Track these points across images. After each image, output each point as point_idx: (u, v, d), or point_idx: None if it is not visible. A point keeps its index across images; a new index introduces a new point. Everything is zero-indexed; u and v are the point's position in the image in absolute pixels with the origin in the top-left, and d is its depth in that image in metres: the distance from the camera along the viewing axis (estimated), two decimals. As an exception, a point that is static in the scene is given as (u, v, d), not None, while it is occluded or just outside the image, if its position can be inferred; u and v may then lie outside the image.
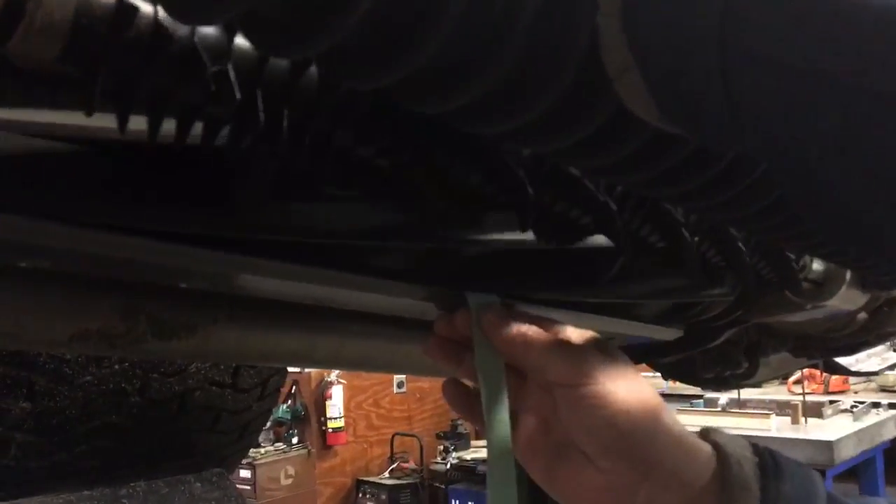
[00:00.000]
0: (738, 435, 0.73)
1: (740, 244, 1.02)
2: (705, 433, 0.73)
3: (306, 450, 7.72)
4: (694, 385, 2.29)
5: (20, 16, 0.49)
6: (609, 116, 0.55)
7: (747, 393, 5.60)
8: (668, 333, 1.33)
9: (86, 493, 1.48)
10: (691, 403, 6.01)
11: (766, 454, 0.70)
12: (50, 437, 1.51)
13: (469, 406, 0.79)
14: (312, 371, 7.56)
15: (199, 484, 1.64)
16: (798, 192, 0.51)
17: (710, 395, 5.85)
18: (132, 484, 1.55)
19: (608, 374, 0.68)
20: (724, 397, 5.75)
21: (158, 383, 1.61)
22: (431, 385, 8.77)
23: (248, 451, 2.22)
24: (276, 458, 7.31)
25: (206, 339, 1.05)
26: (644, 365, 1.94)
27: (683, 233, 0.92)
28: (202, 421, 1.75)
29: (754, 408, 5.52)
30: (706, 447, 0.70)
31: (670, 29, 0.45)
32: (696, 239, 1.01)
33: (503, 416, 0.72)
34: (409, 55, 0.46)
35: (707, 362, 1.88)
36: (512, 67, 0.49)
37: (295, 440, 7.68)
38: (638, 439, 0.66)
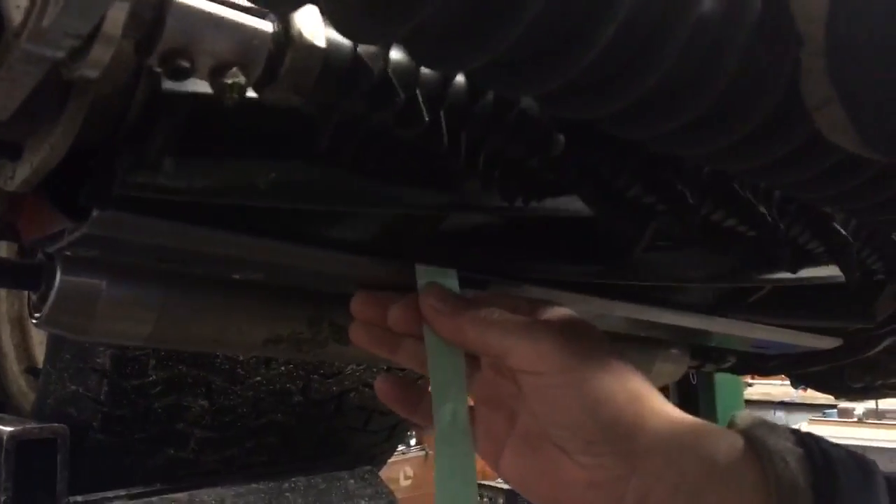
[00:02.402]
0: (776, 423, 0.63)
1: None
2: (734, 422, 0.64)
3: (424, 452, 7.84)
4: (841, 395, 2.22)
5: (281, 61, 0.56)
6: (804, 142, 0.57)
7: (886, 403, 5.34)
8: (826, 342, 1.32)
9: (254, 486, 1.59)
10: (824, 413, 5.78)
11: (811, 443, 0.60)
12: (224, 432, 1.62)
13: (412, 401, 0.71)
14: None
15: (352, 480, 1.73)
16: None
17: (844, 404, 5.60)
18: (294, 479, 1.65)
19: (584, 359, 0.59)
20: (860, 407, 5.50)
21: (319, 384, 1.71)
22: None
23: (393, 451, 2.31)
24: (394, 459, 7.45)
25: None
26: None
27: (849, 240, 0.92)
28: (356, 420, 1.84)
29: (893, 418, 5.25)
30: (728, 435, 0.61)
31: (879, 65, 0.47)
32: (858, 246, 1.00)
33: (460, 407, 0.63)
34: (636, 87, 0.50)
35: (858, 371, 1.83)
36: (718, 97, 0.53)
37: (413, 442, 7.82)
38: (623, 430, 0.58)
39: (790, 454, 0.58)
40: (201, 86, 0.58)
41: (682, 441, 0.59)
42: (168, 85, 0.59)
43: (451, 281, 0.69)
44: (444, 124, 0.64)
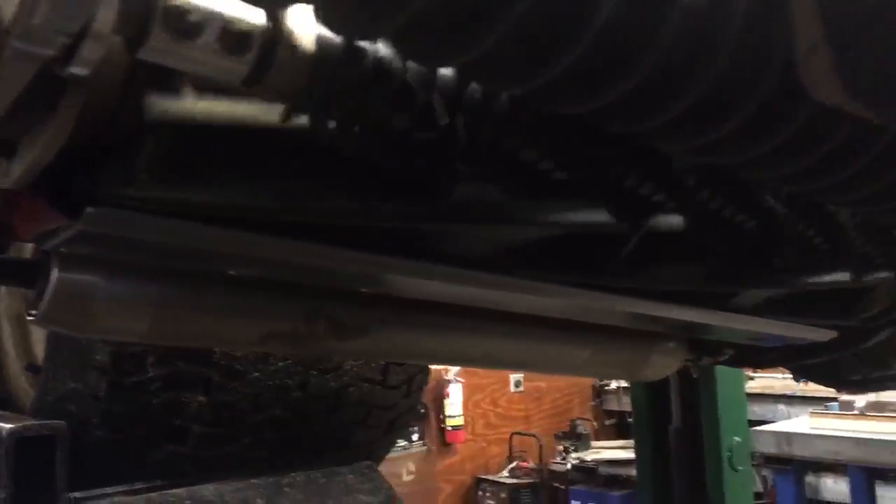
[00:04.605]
0: None
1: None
2: None
3: (426, 447, 7.87)
4: (837, 388, 2.23)
5: (270, 62, 0.56)
6: (800, 126, 0.57)
7: (888, 395, 5.33)
8: (821, 335, 1.32)
9: (253, 481, 1.59)
10: (825, 406, 5.77)
11: None
12: (223, 428, 1.63)
13: None
14: (431, 369, 7.67)
15: (351, 475, 1.73)
16: None
17: (845, 397, 5.60)
18: (293, 474, 1.65)
19: None
20: (861, 400, 5.50)
21: (317, 380, 1.71)
22: (549, 385, 8.76)
23: (393, 445, 2.32)
24: (397, 454, 7.48)
25: (376, 339, 1.13)
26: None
27: (848, 233, 0.92)
28: (355, 415, 1.85)
29: (895, 411, 5.25)
30: None
31: (869, 11, 0.46)
32: (858, 239, 1.01)
33: None
34: (624, 80, 0.51)
35: (854, 364, 1.83)
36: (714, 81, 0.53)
37: (415, 437, 7.84)
38: None
39: None
40: (186, 106, 0.59)
41: None
42: (153, 106, 0.60)
43: None
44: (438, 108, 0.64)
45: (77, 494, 1.45)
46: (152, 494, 1.50)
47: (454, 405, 8.03)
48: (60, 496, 1.43)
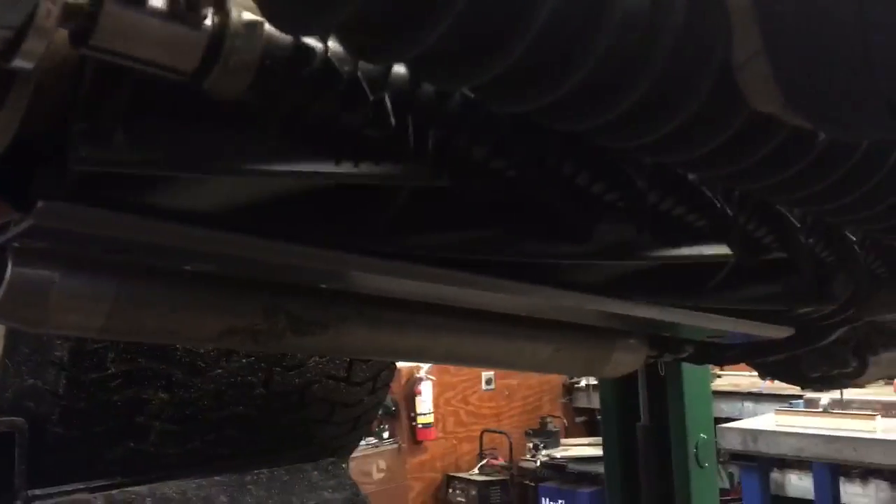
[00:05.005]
0: None
1: (856, 245, 1.03)
2: None
3: (396, 445, 7.86)
4: (799, 385, 2.26)
5: (217, 58, 0.56)
6: (738, 127, 0.58)
7: (850, 393, 5.42)
8: (778, 332, 1.34)
9: (216, 478, 1.58)
10: (790, 404, 5.85)
11: None
12: (185, 425, 1.62)
13: None
14: (402, 367, 7.68)
15: (315, 472, 1.73)
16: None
17: (810, 395, 5.68)
18: (256, 471, 1.65)
19: None
20: (825, 397, 5.58)
21: (281, 376, 1.71)
22: (520, 382, 8.80)
23: (359, 442, 2.31)
24: (368, 452, 7.46)
25: (337, 335, 1.13)
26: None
27: (799, 236, 0.94)
28: (319, 412, 1.85)
29: (858, 408, 5.33)
30: None
31: (807, 17, 0.47)
32: (811, 241, 1.03)
33: None
34: (566, 78, 0.51)
35: (814, 361, 1.86)
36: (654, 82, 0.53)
37: (386, 435, 7.83)
38: None
39: None
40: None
41: None
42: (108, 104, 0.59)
43: None
44: (390, 108, 0.65)
45: (36, 492, 1.43)
46: (113, 492, 1.48)
47: (425, 403, 8.03)
48: (19, 493, 1.41)
